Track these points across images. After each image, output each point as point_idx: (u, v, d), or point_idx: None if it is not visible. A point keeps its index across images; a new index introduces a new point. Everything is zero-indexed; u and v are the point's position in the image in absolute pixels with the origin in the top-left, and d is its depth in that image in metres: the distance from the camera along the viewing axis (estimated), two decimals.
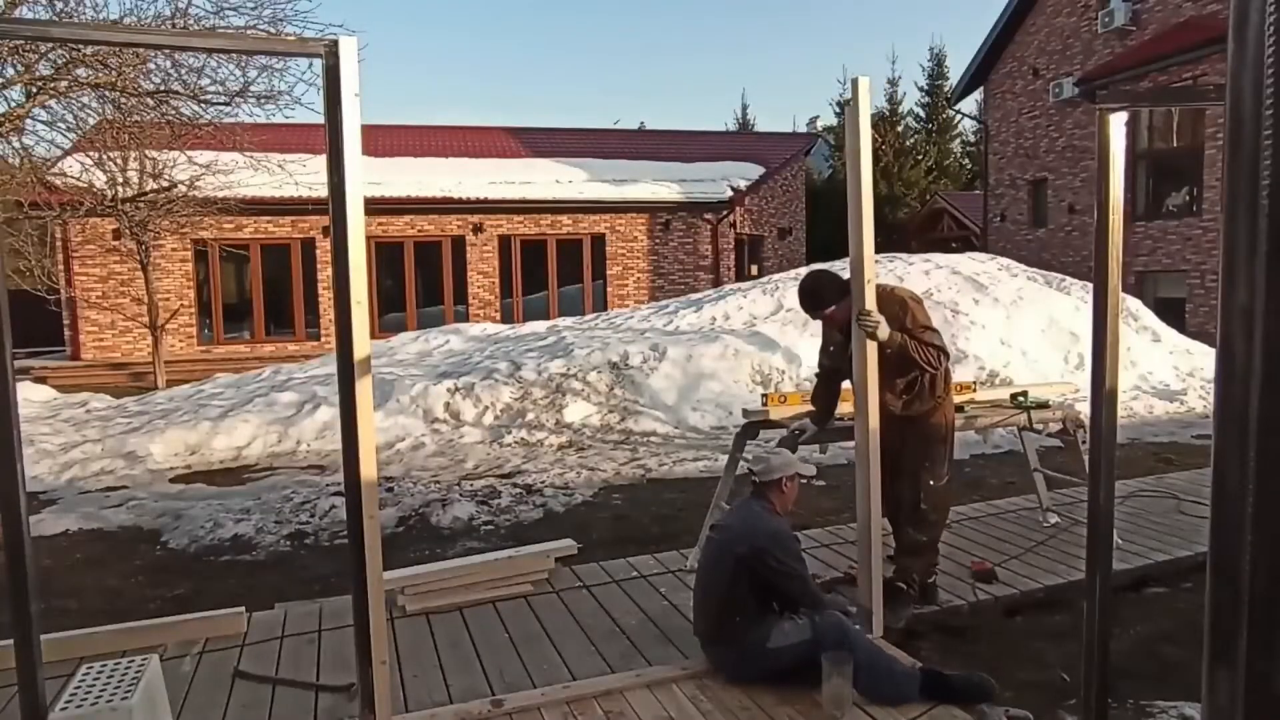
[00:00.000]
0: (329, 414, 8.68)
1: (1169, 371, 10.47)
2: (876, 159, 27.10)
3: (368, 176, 2.65)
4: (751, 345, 10.06)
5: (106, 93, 8.92)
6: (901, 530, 4.03)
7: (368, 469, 2.57)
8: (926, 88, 33.34)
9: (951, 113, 31.60)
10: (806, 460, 3.71)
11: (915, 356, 3.79)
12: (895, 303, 3.83)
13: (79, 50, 8.17)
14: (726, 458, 4.87)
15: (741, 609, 3.20)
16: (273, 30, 8.66)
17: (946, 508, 4.18)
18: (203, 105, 9.49)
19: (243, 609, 3.98)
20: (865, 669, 3.07)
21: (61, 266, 15.99)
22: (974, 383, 5.19)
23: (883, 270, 10.94)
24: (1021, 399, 4.92)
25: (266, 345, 17.63)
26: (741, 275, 20.28)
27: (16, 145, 9.72)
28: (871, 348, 3.58)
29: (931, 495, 3.96)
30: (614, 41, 71.69)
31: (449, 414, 9.02)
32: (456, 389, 9.28)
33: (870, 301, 3.57)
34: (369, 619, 2.61)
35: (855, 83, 3.40)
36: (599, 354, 9.82)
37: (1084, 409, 3.78)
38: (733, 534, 3.35)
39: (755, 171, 21.40)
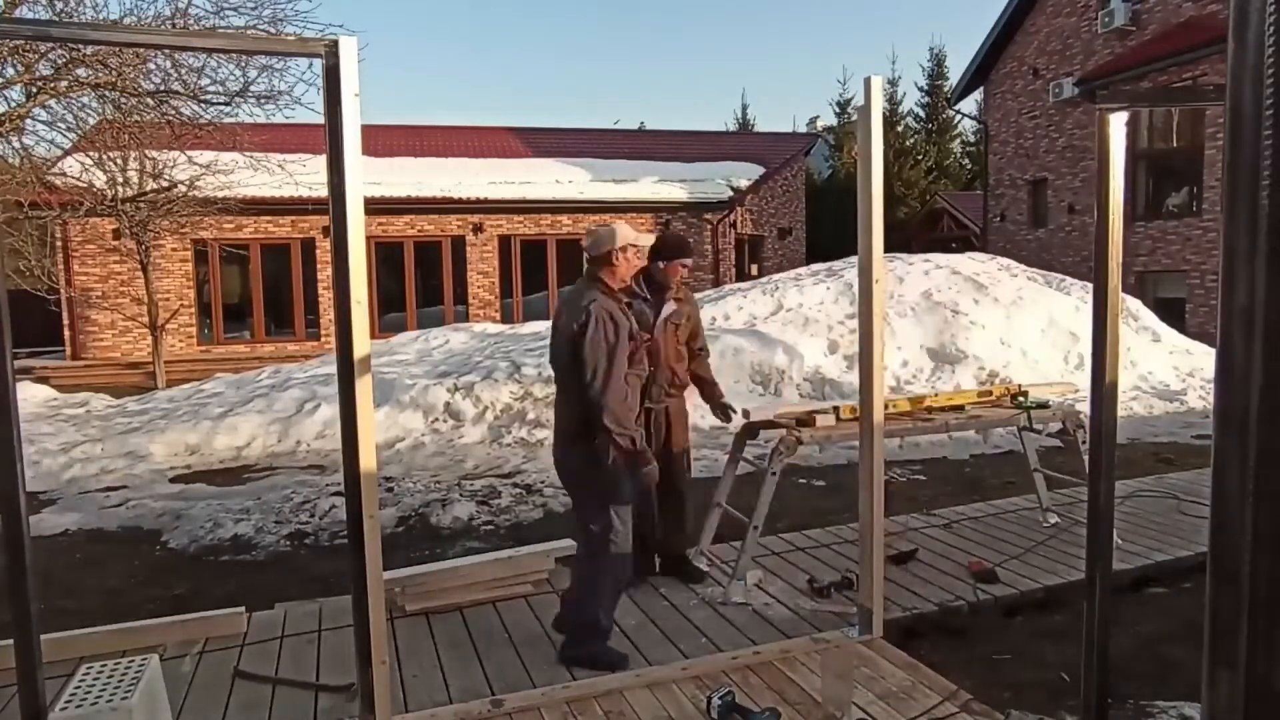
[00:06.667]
0: (329, 413, 8.68)
1: (1169, 371, 10.47)
2: None
3: (368, 176, 2.65)
4: (751, 345, 10.05)
5: (106, 93, 8.91)
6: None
7: (368, 469, 2.57)
8: (926, 88, 33.37)
9: (951, 113, 31.59)
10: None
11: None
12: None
13: (79, 50, 8.17)
14: (726, 458, 4.87)
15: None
16: (273, 30, 8.65)
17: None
18: (203, 105, 9.48)
19: (243, 609, 3.98)
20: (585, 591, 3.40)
21: (61, 266, 15.99)
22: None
23: None
24: (1021, 399, 4.92)
25: (266, 345, 17.62)
26: (742, 275, 20.29)
27: (16, 145, 9.72)
28: (879, 334, 3.52)
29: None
30: (614, 42, 71.74)
31: (449, 414, 9.02)
32: (456, 388, 9.27)
33: (879, 301, 3.51)
34: (369, 619, 2.61)
35: (868, 83, 3.34)
36: None
37: (1084, 409, 3.78)
38: (565, 315, 3.41)
39: (755, 171, 21.40)
